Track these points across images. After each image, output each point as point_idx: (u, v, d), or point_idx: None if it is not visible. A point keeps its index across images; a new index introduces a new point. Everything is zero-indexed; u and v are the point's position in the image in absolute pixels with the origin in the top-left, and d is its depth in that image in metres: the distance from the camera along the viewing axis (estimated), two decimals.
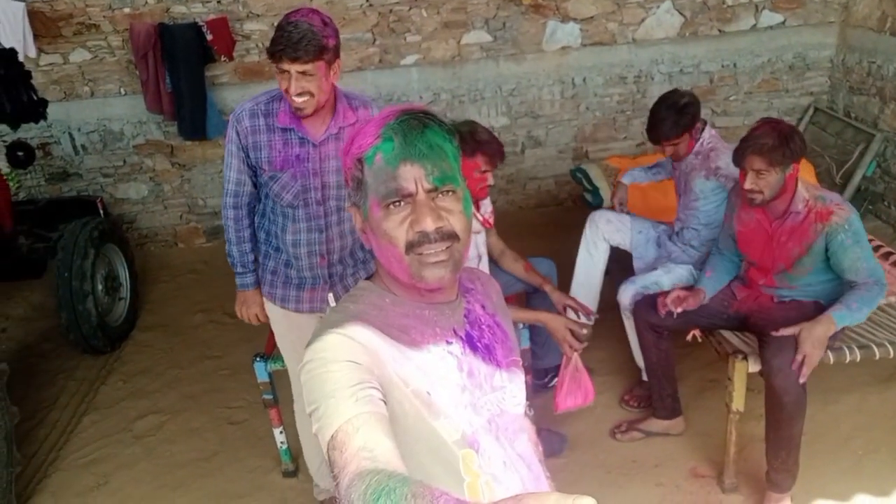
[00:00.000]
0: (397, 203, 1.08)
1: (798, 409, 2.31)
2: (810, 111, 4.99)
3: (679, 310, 2.62)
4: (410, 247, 1.09)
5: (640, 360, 3.05)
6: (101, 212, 4.38)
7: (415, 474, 1.04)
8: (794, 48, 4.95)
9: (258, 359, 2.79)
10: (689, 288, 2.73)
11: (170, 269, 4.96)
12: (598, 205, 4.12)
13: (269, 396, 2.80)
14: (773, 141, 2.30)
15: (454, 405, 1.14)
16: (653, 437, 2.92)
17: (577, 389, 2.47)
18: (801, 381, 2.27)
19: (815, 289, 2.51)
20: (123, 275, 4.25)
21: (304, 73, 2.04)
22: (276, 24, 2.09)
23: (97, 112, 4.84)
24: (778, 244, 2.47)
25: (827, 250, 2.39)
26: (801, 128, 5.01)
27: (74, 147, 4.91)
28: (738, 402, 2.50)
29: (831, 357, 2.45)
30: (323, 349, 1.07)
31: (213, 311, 4.33)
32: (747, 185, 2.37)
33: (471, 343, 1.22)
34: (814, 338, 2.28)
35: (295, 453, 3.01)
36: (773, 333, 2.34)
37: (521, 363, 1.32)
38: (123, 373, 3.82)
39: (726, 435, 2.59)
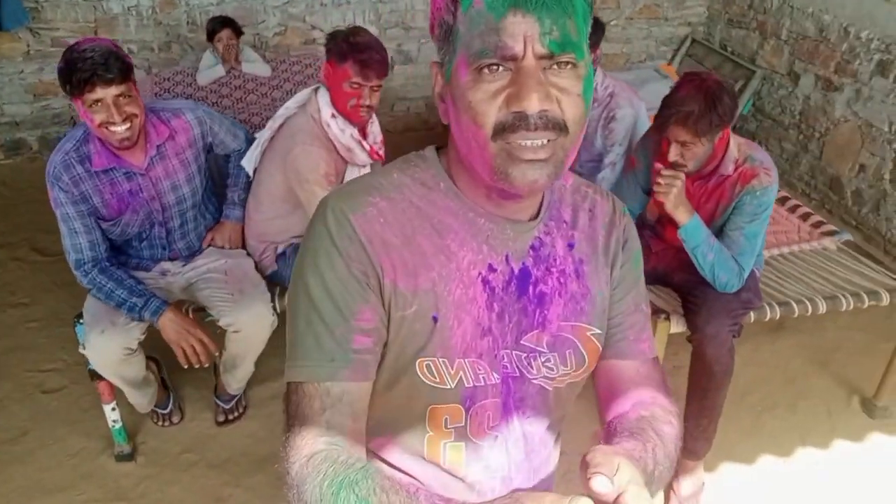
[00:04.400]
0: (494, 67, 0.79)
1: (726, 378, 2.12)
2: (688, 42, 4.85)
3: None
4: (501, 130, 0.79)
5: None
6: None
7: (373, 413, 0.92)
8: None
9: (80, 321, 2.18)
10: None
11: None
12: None
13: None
14: (698, 107, 1.94)
15: (464, 347, 0.91)
16: None
17: None
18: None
19: None
20: None
21: (121, 95, 1.92)
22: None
23: None
24: (697, 205, 2.19)
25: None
26: (677, 60, 4.87)
27: None
28: None
29: (752, 316, 2.27)
30: (315, 251, 0.89)
31: (17, 247, 3.53)
32: (671, 158, 2.05)
33: (521, 282, 0.94)
34: (677, 198, 2.06)
35: (131, 431, 2.46)
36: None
37: (587, 333, 0.99)
38: None
39: None
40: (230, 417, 2.53)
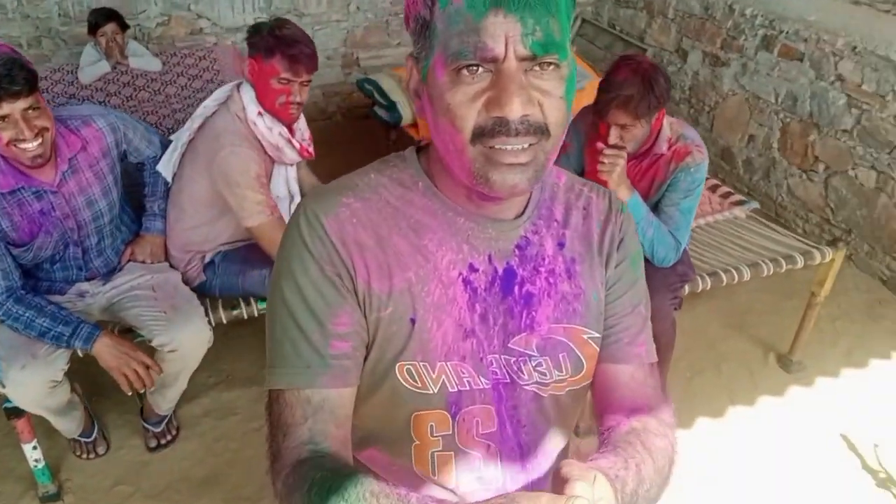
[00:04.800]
0: (473, 68, 0.75)
1: (669, 350, 2.21)
2: (578, 22, 4.96)
3: None
4: (480, 134, 0.77)
5: None
6: None
7: (359, 423, 0.92)
8: None
9: None
10: None
11: None
12: (395, 122, 3.65)
13: (12, 404, 2.00)
14: (637, 92, 2.00)
15: (445, 350, 0.89)
16: None
17: None
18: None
19: None
20: None
21: (29, 108, 1.74)
22: None
23: None
24: (632, 184, 2.25)
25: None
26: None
27: None
28: None
29: (686, 289, 2.36)
30: (289, 255, 0.87)
31: None
32: (611, 141, 2.09)
33: (506, 283, 0.91)
34: (620, 176, 2.10)
35: (54, 468, 2.25)
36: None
37: (582, 336, 0.95)
38: None
39: None
40: (162, 441, 2.37)
